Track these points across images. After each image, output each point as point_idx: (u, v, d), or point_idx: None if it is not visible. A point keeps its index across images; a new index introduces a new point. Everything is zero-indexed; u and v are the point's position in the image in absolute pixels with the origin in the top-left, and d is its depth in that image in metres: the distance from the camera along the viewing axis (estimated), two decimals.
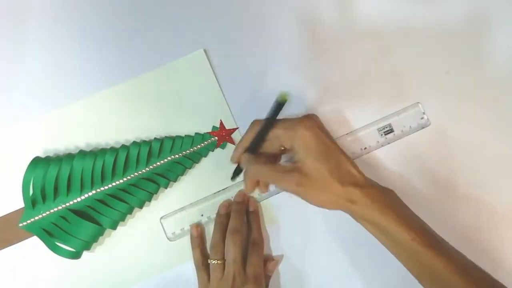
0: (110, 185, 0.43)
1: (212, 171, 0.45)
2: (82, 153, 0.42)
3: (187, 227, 0.44)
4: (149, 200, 0.43)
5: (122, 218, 0.43)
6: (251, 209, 0.44)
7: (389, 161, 0.45)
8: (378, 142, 0.45)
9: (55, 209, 0.42)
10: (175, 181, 0.44)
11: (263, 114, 0.46)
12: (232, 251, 0.40)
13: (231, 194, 0.45)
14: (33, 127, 0.45)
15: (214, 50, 0.46)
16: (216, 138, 0.45)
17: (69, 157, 0.42)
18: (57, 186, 0.42)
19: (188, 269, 0.44)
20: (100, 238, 0.43)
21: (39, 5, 0.46)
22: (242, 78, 0.46)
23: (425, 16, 0.47)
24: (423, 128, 0.45)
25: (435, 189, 0.45)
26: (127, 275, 0.44)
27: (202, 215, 0.44)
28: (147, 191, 0.43)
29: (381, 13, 0.47)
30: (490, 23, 0.47)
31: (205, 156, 0.45)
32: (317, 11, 0.47)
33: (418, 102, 0.45)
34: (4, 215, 0.43)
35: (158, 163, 0.43)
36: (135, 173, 0.43)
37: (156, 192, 0.43)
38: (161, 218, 0.44)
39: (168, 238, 0.44)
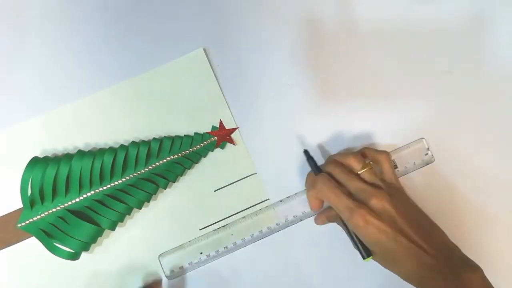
0: (108, 186, 0.42)
1: (212, 171, 0.45)
2: (80, 153, 0.42)
3: (186, 265, 0.43)
4: (148, 200, 0.43)
5: (121, 219, 0.42)
6: None
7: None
8: None
9: (54, 210, 0.42)
10: (174, 181, 0.44)
11: (263, 114, 0.46)
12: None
13: (231, 231, 0.44)
14: (31, 127, 0.44)
15: (214, 49, 0.45)
16: (216, 138, 0.45)
17: (67, 157, 0.42)
18: (55, 186, 0.41)
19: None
20: (99, 239, 0.43)
21: (38, 4, 0.46)
22: (242, 77, 0.45)
23: (425, 16, 0.46)
24: (427, 164, 0.44)
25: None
26: (125, 276, 0.43)
27: (201, 253, 0.43)
28: (146, 192, 0.42)
29: (381, 12, 0.46)
30: (490, 22, 0.46)
31: (204, 157, 0.45)
32: (317, 11, 0.46)
33: (423, 138, 0.44)
34: (2, 216, 0.43)
35: (157, 164, 0.43)
36: (134, 174, 0.43)
37: (155, 192, 0.43)
38: (159, 256, 0.43)
39: (166, 277, 0.43)
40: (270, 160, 0.45)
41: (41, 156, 0.43)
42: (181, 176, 0.44)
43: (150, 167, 0.43)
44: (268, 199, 0.45)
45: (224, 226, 0.44)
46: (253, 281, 0.44)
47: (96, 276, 0.43)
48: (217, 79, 0.45)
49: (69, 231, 0.41)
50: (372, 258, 0.38)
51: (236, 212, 0.44)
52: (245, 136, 0.45)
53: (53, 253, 0.41)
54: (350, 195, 0.37)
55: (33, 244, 0.42)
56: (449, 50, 0.46)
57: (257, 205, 0.45)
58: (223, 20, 0.46)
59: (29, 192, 0.41)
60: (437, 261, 0.34)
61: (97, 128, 0.44)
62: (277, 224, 0.44)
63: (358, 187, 0.37)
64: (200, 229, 0.44)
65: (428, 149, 0.44)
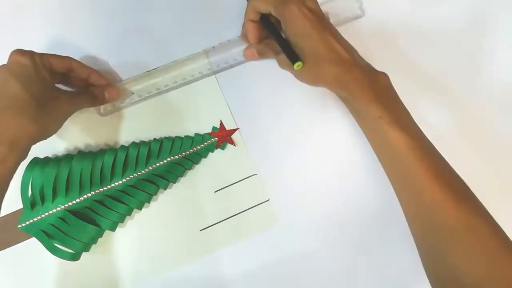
0: (109, 186, 0.42)
1: (212, 172, 0.45)
2: (81, 154, 0.42)
3: (118, 104, 0.44)
4: (148, 201, 0.43)
5: (121, 219, 0.42)
6: None
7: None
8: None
9: (54, 211, 0.42)
10: (174, 182, 0.44)
11: (264, 115, 0.46)
12: None
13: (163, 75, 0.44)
14: None
15: (214, 51, 0.45)
16: (216, 139, 0.45)
17: (67, 158, 0.42)
18: (55, 187, 0.41)
19: (186, 271, 0.44)
20: (99, 239, 0.43)
21: (39, 5, 0.46)
22: (242, 79, 0.45)
23: (425, 15, 0.46)
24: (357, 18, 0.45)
25: None
26: (125, 277, 0.43)
27: (133, 93, 0.44)
28: (146, 193, 0.42)
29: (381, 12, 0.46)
30: (490, 23, 0.46)
31: (205, 157, 0.45)
32: None
33: None
34: (3, 216, 0.43)
35: (157, 164, 0.43)
36: (134, 174, 0.43)
37: (155, 193, 0.43)
38: None
39: (98, 114, 0.44)
40: (270, 161, 0.45)
41: (42, 157, 0.43)
42: (181, 177, 0.44)
43: (150, 167, 0.43)
44: (268, 199, 0.45)
45: (155, 69, 0.45)
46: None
47: (96, 276, 0.43)
48: (217, 80, 0.45)
49: (70, 231, 0.41)
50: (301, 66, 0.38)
51: (236, 213, 0.44)
52: (246, 137, 0.45)
53: (53, 254, 0.41)
54: None
55: (33, 244, 0.42)
56: (449, 50, 0.46)
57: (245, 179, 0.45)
58: (223, 22, 0.46)
59: (30, 193, 0.41)
60: (353, 60, 0.37)
61: (97, 129, 0.44)
62: (208, 69, 0.44)
63: None
64: (200, 230, 0.44)
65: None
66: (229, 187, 0.45)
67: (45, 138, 0.37)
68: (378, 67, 0.38)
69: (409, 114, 0.37)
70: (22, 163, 0.41)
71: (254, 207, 0.45)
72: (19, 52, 0.36)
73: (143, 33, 0.46)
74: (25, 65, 0.35)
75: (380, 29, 0.46)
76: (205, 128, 0.45)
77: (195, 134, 0.45)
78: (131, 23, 0.46)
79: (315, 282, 0.44)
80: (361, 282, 0.44)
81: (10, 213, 0.43)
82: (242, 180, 0.45)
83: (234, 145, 0.45)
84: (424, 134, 0.36)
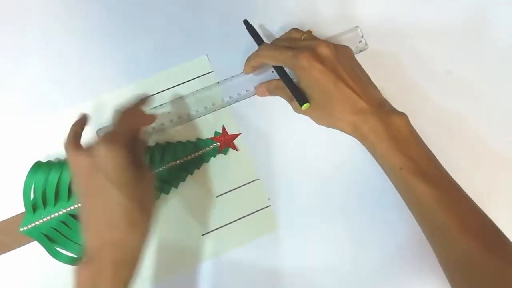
0: None
1: (214, 177, 0.45)
2: None
3: None
4: None
5: None
6: None
7: None
8: None
9: (56, 214, 0.42)
10: (176, 187, 0.44)
11: (266, 120, 0.46)
12: None
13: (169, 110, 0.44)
14: (34, 131, 0.44)
15: (215, 57, 0.46)
16: (218, 144, 0.45)
17: None
18: (58, 191, 0.41)
19: (188, 276, 0.44)
20: None
21: (41, 7, 0.46)
22: (243, 83, 0.46)
23: (425, 15, 0.47)
24: (360, 51, 0.45)
25: None
26: None
27: None
28: None
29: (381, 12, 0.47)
30: (490, 22, 0.47)
31: (207, 162, 0.45)
32: (317, 13, 0.46)
33: (357, 26, 0.45)
34: (5, 220, 0.43)
35: (159, 169, 0.43)
36: None
37: (157, 198, 0.43)
38: (97, 130, 0.44)
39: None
40: (273, 166, 0.45)
41: (44, 161, 0.43)
42: (183, 181, 0.44)
43: (152, 172, 0.43)
44: (270, 205, 0.45)
45: (161, 104, 0.44)
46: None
47: None
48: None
49: (71, 235, 0.41)
50: (309, 106, 0.39)
51: (238, 218, 0.44)
52: (248, 142, 0.45)
53: (54, 258, 0.41)
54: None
55: (35, 248, 0.42)
56: (449, 50, 0.46)
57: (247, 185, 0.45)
58: (225, 29, 0.46)
59: (32, 196, 0.41)
60: (369, 107, 0.37)
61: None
62: (221, 101, 0.45)
63: (304, 43, 0.39)
64: (202, 235, 0.44)
65: (362, 36, 0.45)
66: (231, 192, 0.45)
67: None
68: (386, 97, 0.39)
69: (432, 158, 0.36)
70: (25, 166, 0.41)
71: (256, 212, 0.45)
72: (108, 146, 0.31)
73: (145, 38, 0.46)
74: (118, 164, 0.31)
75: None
76: (208, 133, 0.45)
77: (197, 138, 0.45)
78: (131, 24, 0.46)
79: (317, 287, 0.44)
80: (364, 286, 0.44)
81: (12, 217, 0.43)
82: (244, 185, 0.45)
83: (237, 150, 0.45)
84: (450, 178, 0.35)
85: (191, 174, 0.44)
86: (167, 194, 0.44)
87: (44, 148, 0.44)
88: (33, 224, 0.41)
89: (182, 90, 0.45)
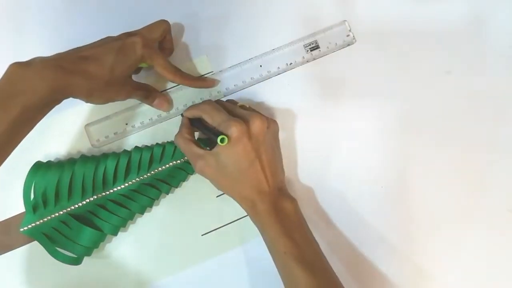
0: (111, 191, 0.42)
1: None
2: (83, 158, 0.42)
3: (111, 135, 0.44)
4: (151, 206, 0.43)
5: (123, 224, 0.42)
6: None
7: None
8: (303, 58, 0.45)
9: (56, 214, 0.42)
10: (176, 187, 0.44)
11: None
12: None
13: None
14: (34, 131, 0.44)
15: (214, 58, 0.46)
16: None
17: (70, 162, 0.42)
18: (58, 191, 0.41)
19: (188, 276, 0.44)
20: (101, 244, 0.43)
21: (41, 6, 0.46)
22: (241, 82, 0.46)
23: (425, 15, 0.47)
24: (348, 45, 0.46)
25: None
26: (127, 282, 0.43)
27: (126, 124, 0.44)
28: (149, 197, 0.42)
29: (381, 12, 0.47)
30: (490, 23, 0.47)
31: None
32: (316, 10, 0.47)
33: (345, 20, 0.46)
34: (5, 220, 0.43)
35: (159, 169, 0.43)
36: (137, 179, 0.43)
37: (157, 197, 0.43)
38: (85, 125, 0.44)
39: (92, 145, 0.44)
40: None
41: (45, 161, 0.43)
42: (183, 181, 0.44)
43: (152, 172, 0.43)
44: None
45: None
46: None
47: (98, 281, 0.43)
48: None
49: (72, 235, 0.41)
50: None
51: (238, 218, 0.44)
52: None
53: (55, 258, 0.41)
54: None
55: (35, 248, 0.42)
56: (449, 50, 0.46)
57: None
58: (225, 31, 0.46)
59: (32, 196, 0.41)
60: (270, 190, 0.39)
61: (99, 132, 0.45)
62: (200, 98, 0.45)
63: (243, 112, 0.39)
64: (202, 235, 0.44)
65: (350, 30, 0.46)
66: None
67: (87, 99, 0.38)
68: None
69: (315, 246, 0.38)
70: (25, 166, 0.41)
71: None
72: (140, 37, 0.38)
73: None
74: (134, 50, 0.38)
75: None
76: None
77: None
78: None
79: None
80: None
81: (12, 217, 0.43)
82: None
83: None
84: (330, 268, 0.38)
85: (192, 173, 0.44)
86: (167, 193, 0.44)
87: (44, 148, 0.44)
88: (33, 224, 0.41)
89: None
